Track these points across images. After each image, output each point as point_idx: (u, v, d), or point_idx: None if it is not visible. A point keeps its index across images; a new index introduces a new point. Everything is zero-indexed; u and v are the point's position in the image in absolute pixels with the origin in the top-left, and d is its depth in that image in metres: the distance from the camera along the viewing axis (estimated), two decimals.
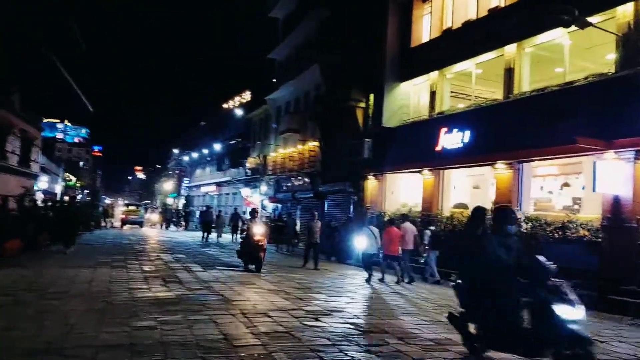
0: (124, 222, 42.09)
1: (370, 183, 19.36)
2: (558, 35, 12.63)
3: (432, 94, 16.99)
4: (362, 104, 19.86)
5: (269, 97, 31.02)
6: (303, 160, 24.91)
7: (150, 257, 15.51)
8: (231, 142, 40.68)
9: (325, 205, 22.73)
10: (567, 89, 11.52)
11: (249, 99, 38.85)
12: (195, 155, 52.50)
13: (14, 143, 24.56)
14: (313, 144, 24.12)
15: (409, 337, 6.49)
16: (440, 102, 16.66)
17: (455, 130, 14.95)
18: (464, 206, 16.57)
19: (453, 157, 15.05)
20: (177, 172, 66.34)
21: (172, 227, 39.76)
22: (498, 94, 15.03)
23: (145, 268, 12.71)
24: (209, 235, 23.90)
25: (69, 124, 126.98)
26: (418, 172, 16.67)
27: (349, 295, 10.35)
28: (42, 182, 41.69)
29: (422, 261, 13.46)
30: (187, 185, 58.35)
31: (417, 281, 12.94)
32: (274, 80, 32.13)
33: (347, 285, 12.03)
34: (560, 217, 12.07)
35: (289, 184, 27.20)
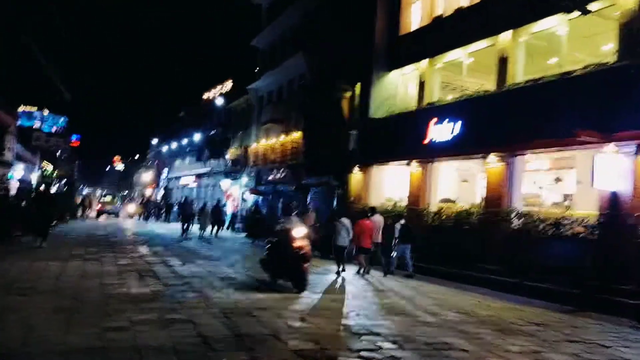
0: (99, 212, 41.33)
1: (356, 176, 18.87)
2: (555, 24, 12.26)
3: (421, 84, 16.55)
4: (349, 94, 19.34)
5: (251, 86, 30.26)
6: (286, 151, 24.31)
7: (126, 250, 14.80)
8: (211, 133, 39.75)
9: (309, 199, 22.19)
10: (564, 80, 11.14)
11: (230, 88, 37.96)
12: (174, 145, 51.36)
13: None
14: (296, 135, 23.53)
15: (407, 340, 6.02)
16: (430, 93, 16.23)
17: (445, 121, 14.51)
18: (450, 201, 16.24)
19: (442, 150, 14.63)
20: (156, 163, 65.02)
21: (152, 219, 38.57)
22: (489, 85, 14.65)
23: (121, 262, 12.04)
24: (189, 228, 22.92)
25: (46, 113, 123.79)
26: (406, 164, 16.23)
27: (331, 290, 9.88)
28: (18, 171, 40.23)
29: (392, 255, 13.22)
30: (166, 176, 57.18)
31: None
32: (257, 69, 31.38)
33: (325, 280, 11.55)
34: (553, 213, 11.76)
35: (271, 176, 26.58)
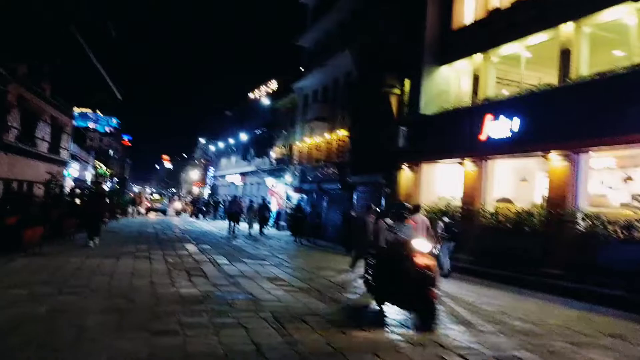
0: (148, 209, 42.83)
1: (405, 174, 18.32)
2: (622, 14, 11.37)
3: (476, 79, 15.82)
4: (397, 90, 18.79)
5: (296, 85, 30.12)
6: (331, 150, 24.00)
7: (175, 248, 14.87)
8: (257, 132, 39.95)
9: (354, 197, 21.78)
10: (635, 72, 10.27)
11: (275, 87, 38.02)
12: (221, 144, 52.09)
13: (44, 129, 24.27)
14: (342, 133, 23.17)
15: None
16: (485, 88, 15.48)
17: (502, 117, 13.78)
18: (508, 200, 15.46)
19: (499, 147, 13.90)
20: (203, 161, 66.24)
21: (201, 217, 38.94)
22: (547, 79, 13.80)
23: (170, 259, 12.04)
24: (236, 227, 22.94)
25: (100, 114, 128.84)
26: (459, 162, 15.56)
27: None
28: (73, 170, 41.80)
29: (435, 253, 12.59)
30: (212, 174, 58.10)
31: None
32: (302, 68, 31.22)
33: None
34: (622, 214, 10.90)
35: (315, 175, 26.33)
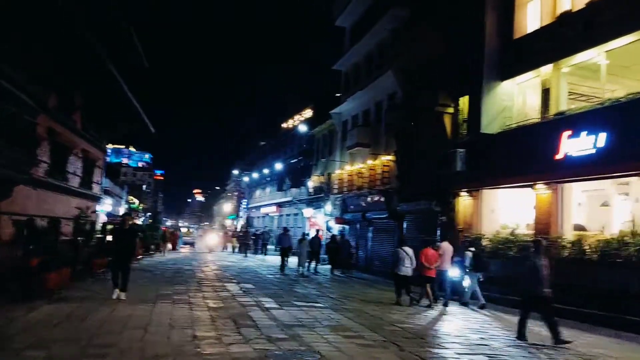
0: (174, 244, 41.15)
1: (463, 201, 16.58)
2: None
3: (545, 92, 14.15)
4: (451, 110, 17.23)
5: (334, 111, 28.90)
6: (375, 176, 22.42)
7: (215, 288, 13.38)
8: (292, 161, 38.83)
9: (404, 227, 20.03)
10: None
11: (311, 115, 37.02)
12: (255, 175, 51.21)
13: (75, 164, 23.53)
14: (387, 158, 21.61)
15: None
16: (556, 102, 13.77)
17: (583, 133, 12.04)
18: (581, 228, 13.57)
19: (581, 167, 12.10)
20: (236, 193, 65.53)
21: (241, 252, 32.78)
22: (625, 90, 12.07)
23: (212, 303, 10.55)
24: (286, 262, 20.50)
25: (133, 149, 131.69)
26: (528, 186, 13.76)
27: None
28: (106, 205, 41.34)
29: (464, 284, 12.77)
30: (246, 206, 57.13)
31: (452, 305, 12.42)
32: (339, 94, 30.07)
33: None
34: None
35: (358, 203, 24.73)
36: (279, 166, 40.91)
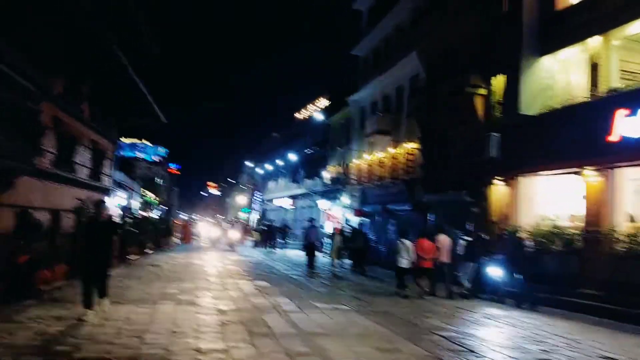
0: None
1: (497, 190, 15.14)
2: None
3: (594, 68, 12.62)
4: (482, 91, 15.73)
5: (352, 98, 27.49)
6: (397, 165, 21.03)
7: (226, 286, 12.16)
8: (307, 152, 37.51)
9: (430, 219, 18.63)
10: None
11: (326, 104, 35.66)
12: (268, 167, 50.00)
13: (83, 154, 22.49)
14: (410, 146, 20.19)
15: None
16: (606, 78, 12.24)
17: None
18: (632, 219, 12.06)
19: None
20: (249, 186, 64.46)
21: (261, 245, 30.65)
22: None
23: (221, 305, 9.32)
24: (314, 258, 17.50)
25: (147, 143, 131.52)
26: (575, 172, 12.28)
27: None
28: (120, 198, 40.43)
29: (458, 274, 12.90)
30: (260, 198, 56.03)
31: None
32: (355, 80, 28.66)
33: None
34: None
35: (379, 195, 23.36)
36: (292, 157, 39.54)
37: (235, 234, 29.55)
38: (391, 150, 21.63)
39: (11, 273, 8.80)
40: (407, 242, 12.62)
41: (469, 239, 13.10)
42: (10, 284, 8.74)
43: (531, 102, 13.76)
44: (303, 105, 42.55)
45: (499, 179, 14.91)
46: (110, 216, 8.59)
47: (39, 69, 14.63)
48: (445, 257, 12.85)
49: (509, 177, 14.54)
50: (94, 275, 7.80)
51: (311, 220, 20.68)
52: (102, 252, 7.92)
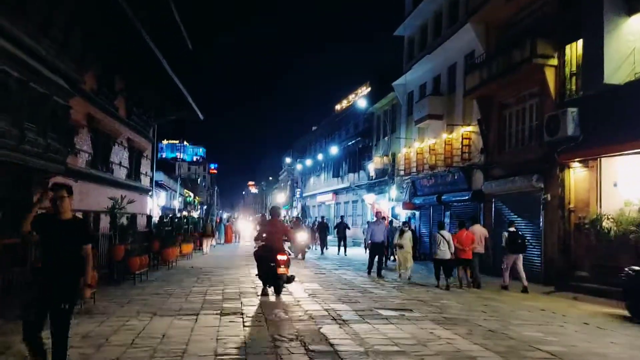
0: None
1: (575, 173, 13.28)
2: None
3: None
4: (553, 61, 13.82)
5: (397, 82, 25.72)
6: (452, 152, 19.24)
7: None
8: (349, 143, 35.97)
9: (492, 209, 16.82)
10: None
11: (368, 91, 34.00)
12: (308, 162, 48.76)
13: (120, 154, 21.78)
14: (467, 130, 18.39)
15: None
16: None
17: None
18: None
19: None
20: (289, 182, 63.57)
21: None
22: None
23: (271, 315, 8.01)
24: (382, 260, 14.99)
25: (187, 144, 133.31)
26: None
27: None
28: (160, 198, 40.24)
29: (503, 267, 12.73)
30: (299, 195, 54.98)
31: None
32: (401, 62, 26.91)
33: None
34: None
35: (431, 185, 21.63)
36: (334, 150, 38.07)
37: (303, 237, 20.17)
38: (445, 135, 19.85)
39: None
40: (446, 234, 12.68)
41: (512, 229, 12.64)
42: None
43: (616, 70, 11.75)
44: (344, 96, 41.03)
45: (577, 161, 13.04)
46: (75, 214, 5.27)
47: (71, 64, 13.73)
48: (480, 248, 12.79)
49: (590, 158, 12.62)
50: (49, 314, 4.48)
51: (377, 213, 18.30)
52: (64, 275, 4.54)
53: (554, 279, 13.20)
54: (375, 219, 16.17)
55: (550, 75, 13.85)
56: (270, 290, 10.02)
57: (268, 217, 15.79)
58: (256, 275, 10.52)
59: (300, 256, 19.14)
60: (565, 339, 6.96)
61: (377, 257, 14.52)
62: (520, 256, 12.43)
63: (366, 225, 20.37)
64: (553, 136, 13.23)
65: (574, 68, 13.53)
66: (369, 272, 14.58)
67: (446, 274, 12.31)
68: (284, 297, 9.86)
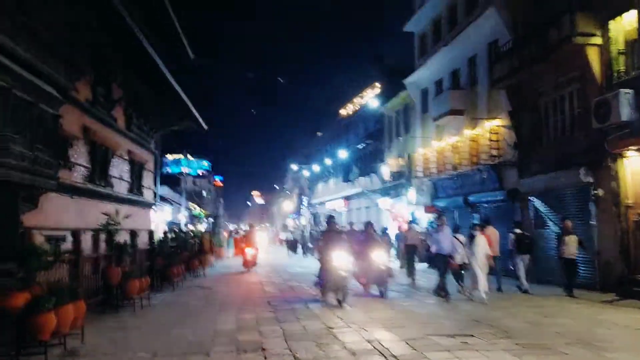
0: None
1: (630, 164, 11.70)
2: None
3: None
4: (597, 40, 12.28)
5: (409, 79, 24.25)
6: (478, 149, 17.70)
7: (297, 314, 9.27)
8: (359, 146, 34.45)
9: (531, 209, 15.21)
10: None
11: (376, 92, 32.51)
12: (315, 169, 47.23)
13: (120, 167, 20.30)
14: (494, 123, 16.84)
15: None
16: None
17: None
18: None
19: None
20: (295, 190, 62.09)
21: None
22: None
23: (300, 350, 6.45)
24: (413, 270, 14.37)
25: (191, 158, 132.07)
26: None
27: None
28: (166, 213, 38.76)
29: (512, 268, 12.57)
30: (307, 203, 53.42)
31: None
32: (413, 58, 25.48)
33: None
34: None
35: (456, 186, 20.05)
36: (343, 154, 36.48)
37: (382, 258, 11.92)
38: (468, 131, 18.31)
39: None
40: (462, 237, 11.97)
41: (518, 231, 12.59)
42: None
43: None
44: (349, 99, 39.56)
45: (633, 150, 11.46)
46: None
47: (60, 70, 12.24)
48: (495, 252, 12.25)
49: None
50: None
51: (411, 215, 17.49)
52: None
53: (613, 285, 11.60)
54: (437, 224, 12.43)
55: (593, 55, 12.32)
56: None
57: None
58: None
59: (381, 290, 11.77)
60: None
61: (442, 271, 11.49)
62: (527, 258, 12.39)
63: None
64: (603, 123, 11.68)
65: (621, 46, 11.98)
66: (442, 293, 11.17)
67: (458, 279, 11.91)
68: (311, 322, 8.27)
